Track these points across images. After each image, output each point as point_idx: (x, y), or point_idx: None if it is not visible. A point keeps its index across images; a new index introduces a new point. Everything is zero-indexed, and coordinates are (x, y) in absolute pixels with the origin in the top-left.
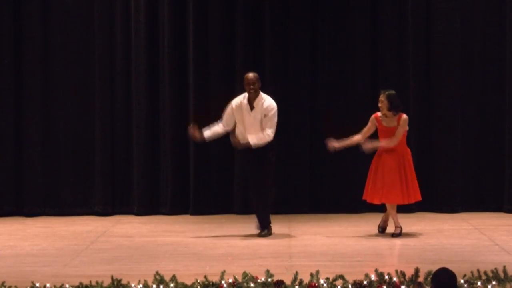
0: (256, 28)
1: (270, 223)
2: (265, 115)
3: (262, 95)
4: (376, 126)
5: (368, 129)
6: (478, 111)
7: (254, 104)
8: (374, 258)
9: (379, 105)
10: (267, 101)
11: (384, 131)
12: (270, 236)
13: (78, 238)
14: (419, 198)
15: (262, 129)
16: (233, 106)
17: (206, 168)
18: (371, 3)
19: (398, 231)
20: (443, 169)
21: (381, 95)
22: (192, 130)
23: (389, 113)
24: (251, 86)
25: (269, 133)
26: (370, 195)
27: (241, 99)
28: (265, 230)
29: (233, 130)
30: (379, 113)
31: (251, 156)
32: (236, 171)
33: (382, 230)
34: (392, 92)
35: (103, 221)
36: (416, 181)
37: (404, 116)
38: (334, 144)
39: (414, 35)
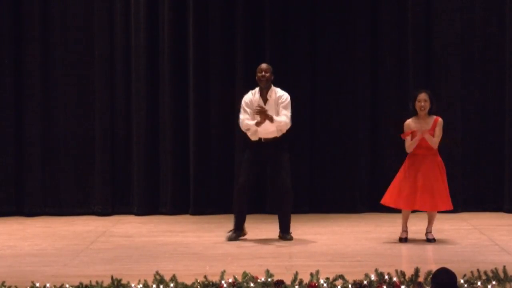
0: (256, 28)
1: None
2: (280, 105)
3: (274, 87)
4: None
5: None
6: (478, 111)
7: (268, 96)
8: (374, 258)
9: (422, 104)
10: (280, 92)
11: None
12: (271, 237)
13: (78, 238)
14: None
15: None
16: (247, 101)
17: (206, 168)
18: (371, 3)
19: (431, 236)
20: None
21: (423, 94)
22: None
23: (426, 115)
24: (264, 73)
25: (285, 114)
26: (404, 202)
27: (252, 95)
28: (290, 233)
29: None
30: (409, 122)
31: (268, 157)
32: (236, 171)
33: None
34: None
35: (103, 221)
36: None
37: (441, 119)
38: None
39: (414, 35)
